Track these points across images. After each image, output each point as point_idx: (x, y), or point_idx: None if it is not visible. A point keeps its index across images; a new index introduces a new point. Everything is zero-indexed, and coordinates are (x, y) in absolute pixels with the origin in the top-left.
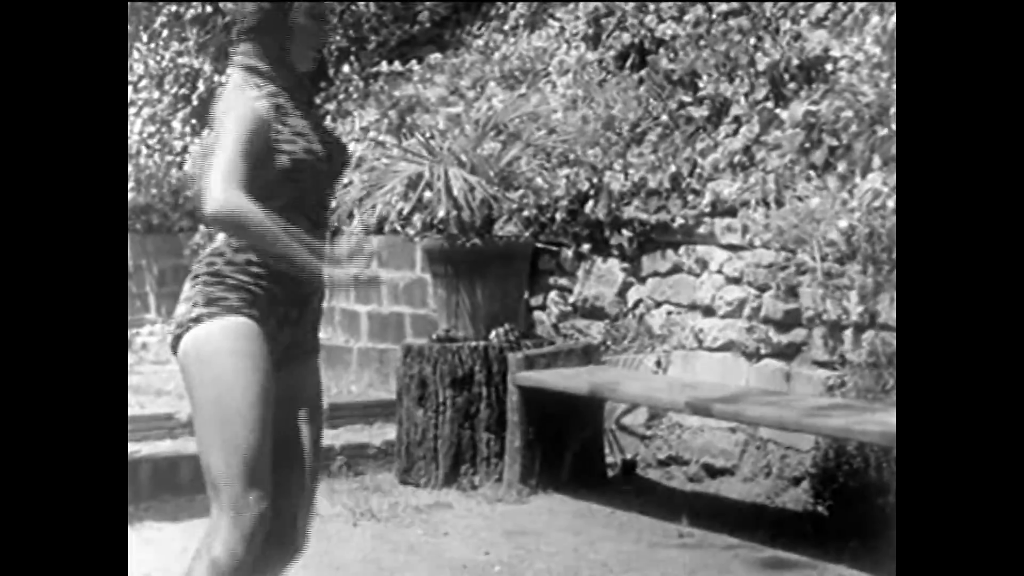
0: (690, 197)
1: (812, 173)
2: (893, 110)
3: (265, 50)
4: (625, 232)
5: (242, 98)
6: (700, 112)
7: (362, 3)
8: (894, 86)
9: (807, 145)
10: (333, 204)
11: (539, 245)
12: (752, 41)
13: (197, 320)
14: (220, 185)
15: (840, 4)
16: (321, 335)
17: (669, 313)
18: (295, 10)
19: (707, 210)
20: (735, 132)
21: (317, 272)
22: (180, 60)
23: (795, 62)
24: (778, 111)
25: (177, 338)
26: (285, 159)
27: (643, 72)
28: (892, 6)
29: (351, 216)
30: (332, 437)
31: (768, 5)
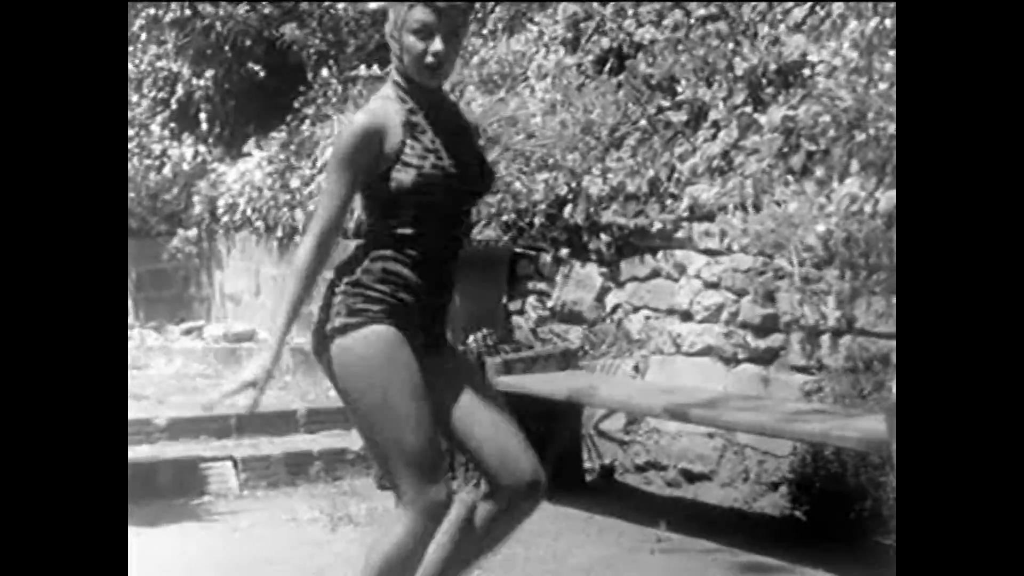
0: (668, 202)
1: (790, 178)
2: (871, 115)
3: (399, 67)
4: (604, 237)
5: (356, 120)
6: (679, 117)
7: (341, 6)
8: (872, 91)
9: (785, 150)
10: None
11: (518, 250)
12: (730, 46)
13: (343, 330)
14: (307, 239)
15: (818, 9)
16: (300, 340)
17: (647, 318)
18: (396, 27)
19: (685, 215)
20: (713, 137)
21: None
22: (159, 64)
23: (773, 67)
24: (756, 116)
25: (321, 344)
26: (413, 173)
27: (622, 77)
28: (870, 11)
29: None
30: (310, 442)
31: (746, 10)
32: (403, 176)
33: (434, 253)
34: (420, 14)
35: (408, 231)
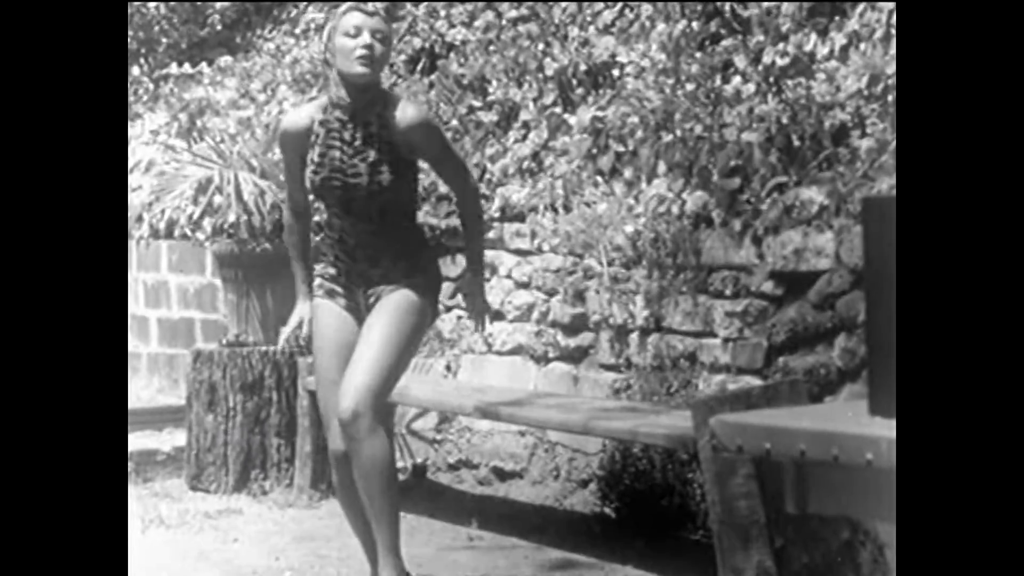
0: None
1: (599, 178)
2: (678, 116)
3: (334, 81)
4: None
5: (285, 118)
6: (489, 117)
7: (152, 4)
8: (679, 92)
9: (594, 151)
10: (381, 209)
11: None
12: (541, 47)
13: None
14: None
15: (627, 11)
16: None
17: (459, 317)
18: (330, 37)
19: (496, 215)
20: (524, 137)
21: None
22: None
23: (583, 68)
24: (566, 116)
25: None
26: (307, 177)
27: (433, 77)
28: (677, 13)
29: (139, 220)
30: None
31: (557, 11)
32: (305, 178)
33: (342, 235)
34: (352, 19)
35: (321, 218)
